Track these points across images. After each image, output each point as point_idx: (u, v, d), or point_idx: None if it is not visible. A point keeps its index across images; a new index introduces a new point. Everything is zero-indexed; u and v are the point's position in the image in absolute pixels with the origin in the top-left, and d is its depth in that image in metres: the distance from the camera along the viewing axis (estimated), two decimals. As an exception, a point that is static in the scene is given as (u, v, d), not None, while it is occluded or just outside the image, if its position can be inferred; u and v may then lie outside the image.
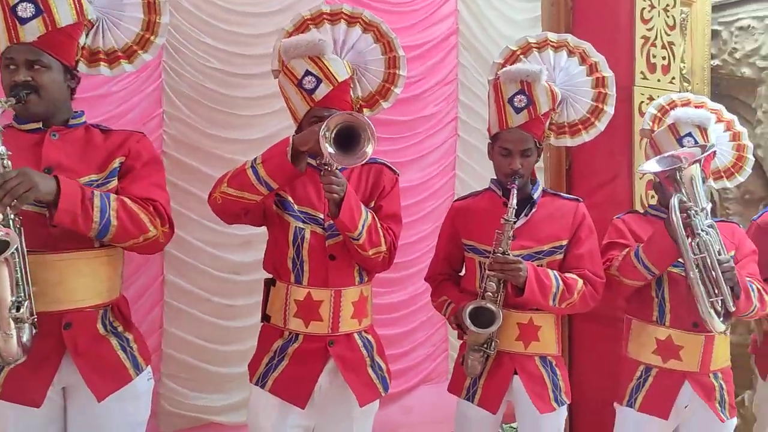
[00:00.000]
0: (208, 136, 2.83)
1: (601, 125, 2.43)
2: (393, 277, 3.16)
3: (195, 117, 2.80)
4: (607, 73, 2.40)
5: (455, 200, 2.54)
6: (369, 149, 1.89)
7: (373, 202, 2.18)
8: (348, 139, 1.89)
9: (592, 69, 2.40)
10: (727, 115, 2.71)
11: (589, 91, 2.41)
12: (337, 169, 1.94)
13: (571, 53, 2.39)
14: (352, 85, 2.19)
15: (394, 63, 2.25)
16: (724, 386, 2.42)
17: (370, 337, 2.19)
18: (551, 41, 2.39)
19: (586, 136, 2.45)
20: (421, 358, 3.35)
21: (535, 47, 2.40)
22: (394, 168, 2.26)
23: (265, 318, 2.14)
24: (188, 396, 2.84)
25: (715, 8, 3.65)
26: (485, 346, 2.19)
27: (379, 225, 2.09)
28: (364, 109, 2.30)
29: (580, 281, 2.26)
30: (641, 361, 2.44)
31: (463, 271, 2.45)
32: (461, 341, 2.36)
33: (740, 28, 3.63)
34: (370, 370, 2.15)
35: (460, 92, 3.42)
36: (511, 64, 2.39)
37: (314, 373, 2.06)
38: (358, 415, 2.13)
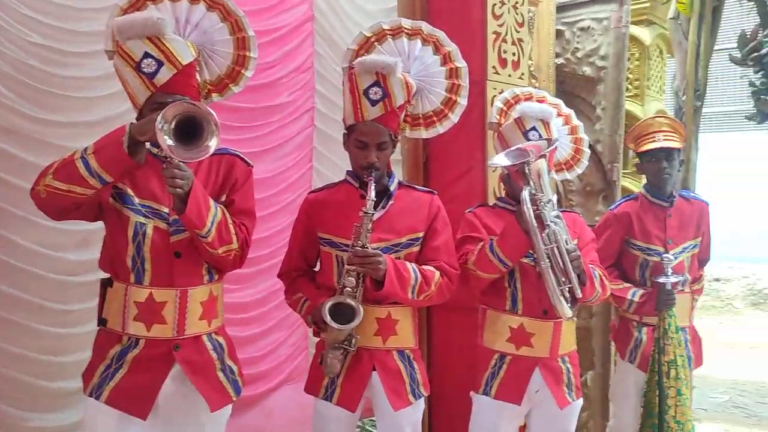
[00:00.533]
0: (35, 120, 2.54)
1: (454, 117, 2.43)
2: (246, 273, 3.01)
3: (17, 99, 2.50)
4: (461, 63, 2.40)
5: (310, 192, 2.45)
6: (212, 143, 1.76)
7: (225, 196, 2.05)
8: (189, 130, 1.74)
9: (446, 59, 2.38)
10: (566, 110, 2.83)
11: (443, 82, 2.39)
12: (180, 161, 1.79)
13: (425, 41, 2.37)
14: (198, 69, 2.03)
15: (244, 44, 2.10)
16: (570, 369, 2.52)
17: (220, 339, 2.06)
18: (405, 28, 2.36)
19: (440, 128, 2.44)
20: (281, 359, 3.23)
21: (390, 34, 2.35)
22: (247, 159, 2.14)
23: (102, 322, 1.96)
24: (22, 418, 2.55)
25: (559, 9, 3.83)
26: (345, 343, 2.13)
27: (230, 221, 1.97)
28: (213, 95, 2.14)
29: (437, 273, 2.27)
30: (496, 350, 2.49)
31: (318, 266, 2.38)
32: (318, 339, 2.28)
33: (581, 29, 3.83)
34: (220, 374, 2.02)
35: (316, 81, 3.34)
36: (365, 51, 2.33)
37: (157, 380, 1.90)
38: (208, 422, 2.00)
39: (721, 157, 9.06)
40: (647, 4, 4.11)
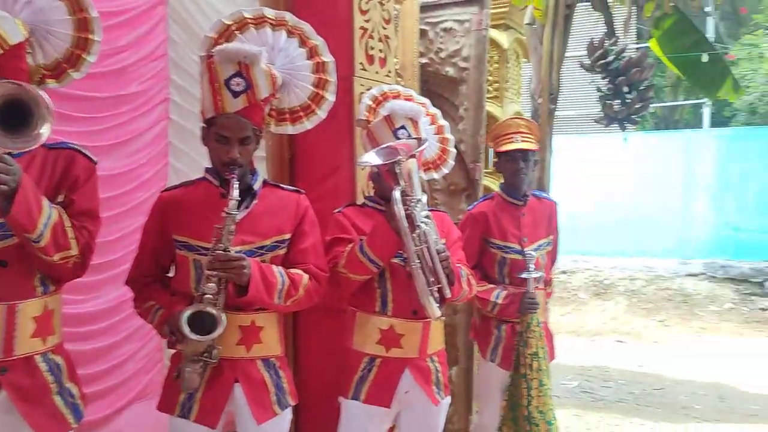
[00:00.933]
0: None
1: (322, 113, 2.35)
2: (94, 281, 2.72)
3: None
4: (328, 58, 2.31)
5: (163, 190, 2.25)
6: (44, 130, 1.55)
7: (62, 195, 1.82)
8: (15, 115, 1.53)
9: (313, 53, 2.29)
10: (432, 109, 2.85)
11: (309, 77, 2.30)
12: (7, 153, 1.55)
13: (290, 33, 2.26)
14: (29, 50, 1.79)
15: (86, 25, 1.88)
16: (439, 368, 2.53)
17: (58, 358, 1.83)
18: (269, 18, 2.23)
19: (307, 124, 2.35)
20: (130, 373, 2.96)
21: (252, 23, 2.21)
22: (90, 155, 1.92)
23: None
24: None
25: (423, 8, 3.84)
26: (205, 355, 1.97)
27: (68, 224, 1.76)
28: (49, 81, 1.89)
29: (306, 276, 2.17)
30: (366, 353, 2.45)
31: (173, 272, 2.19)
32: (174, 351, 2.10)
33: (444, 30, 3.88)
34: (57, 399, 1.80)
35: (171, 71, 3.09)
36: (225, 40, 2.17)
37: None
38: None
39: (572, 157, 9.67)
40: (506, 9, 4.24)
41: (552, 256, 3.35)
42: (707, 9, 10.69)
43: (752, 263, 9.61)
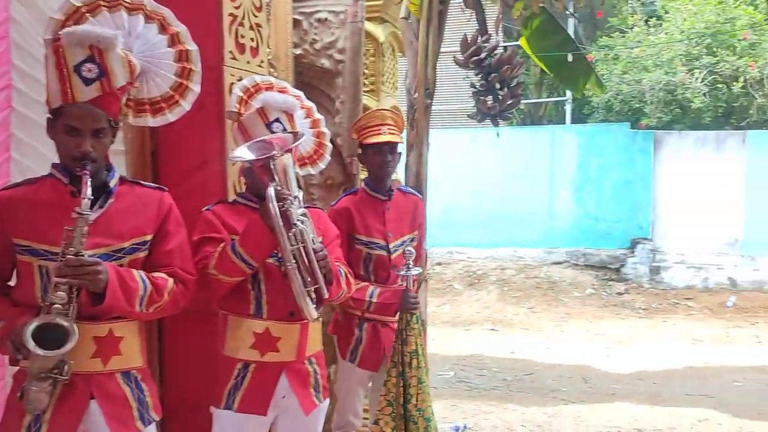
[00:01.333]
0: None
1: (186, 104, 2.19)
2: None
3: None
4: (192, 46, 2.16)
5: (2, 189, 2.00)
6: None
7: None
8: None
9: (174, 40, 2.13)
10: (307, 103, 2.76)
11: (172, 65, 2.14)
12: None
13: (149, 18, 2.08)
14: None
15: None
16: (317, 370, 2.47)
17: None
18: (125, 1, 2.04)
19: (170, 116, 2.18)
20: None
21: (105, 6, 2.01)
22: None
23: None
24: None
25: (296, -2, 3.72)
26: (55, 371, 1.77)
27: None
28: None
29: (170, 280, 2.03)
30: (239, 359, 2.34)
31: (14, 280, 1.97)
32: (17, 368, 1.87)
33: (319, 20, 3.77)
34: None
35: (14, 55, 2.76)
36: (74, 23, 1.95)
37: None
38: None
39: (448, 152, 9.89)
40: (380, 2, 4.20)
41: (417, 252, 3.29)
42: (568, 11, 11.32)
43: (609, 251, 10.31)
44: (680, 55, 10.37)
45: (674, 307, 9.35)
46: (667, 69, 10.32)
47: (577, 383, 6.21)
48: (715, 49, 10.24)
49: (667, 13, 11.08)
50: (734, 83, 9.83)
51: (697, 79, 9.93)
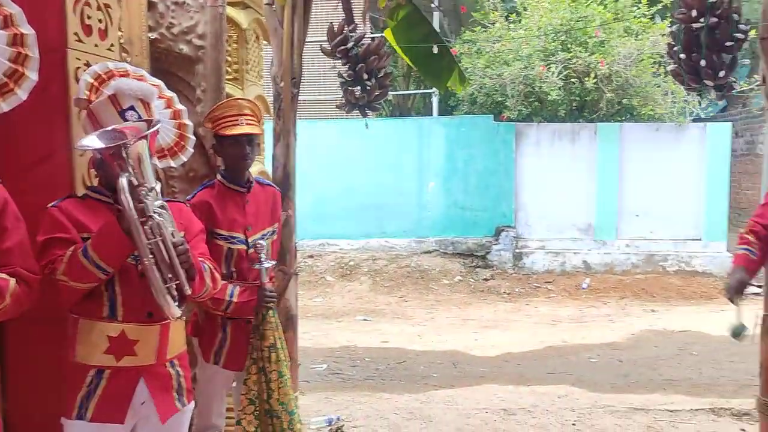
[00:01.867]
0: None
1: (22, 93, 2.02)
2: None
3: None
4: (27, 30, 1.99)
5: None
6: None
7: None
8: None
9: (7, 22, 1.95)
10: (168, 92, 2.61)
11: (5, 50, 1.97)
12: None
13: None
14: None
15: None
16: (181, 372, 2.36)
17: None
18: None
19: (4, 105, 2.01)
20: None
21: None
22: None
23: None
24: None
25: (151, -21, 3.50)
26: None
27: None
28: None
29: (12, 281, 1.88)
30: (92, 365, 2.19)
31: None
32: None
33: (176, 3, 3.54)
34: None
35: None
36: None
37: None
38: None
39: (317, 143, 9.80)
40: (243, -12, 4.06)
41: (276, 246, 3.23)
42: (433, 4, 11.58)
43: (476, 239, 10.71)
44: (538, 50, 10.89)
45: (535, 291, 9.88)
46: (526, 63, 10.80)
47: (448, 368, 6.39)
48: (569, 46, 10.85)
49: (525, 9, 11.60)
50: (586, 78, 10.47)
51: (553, 73, 10.48)
